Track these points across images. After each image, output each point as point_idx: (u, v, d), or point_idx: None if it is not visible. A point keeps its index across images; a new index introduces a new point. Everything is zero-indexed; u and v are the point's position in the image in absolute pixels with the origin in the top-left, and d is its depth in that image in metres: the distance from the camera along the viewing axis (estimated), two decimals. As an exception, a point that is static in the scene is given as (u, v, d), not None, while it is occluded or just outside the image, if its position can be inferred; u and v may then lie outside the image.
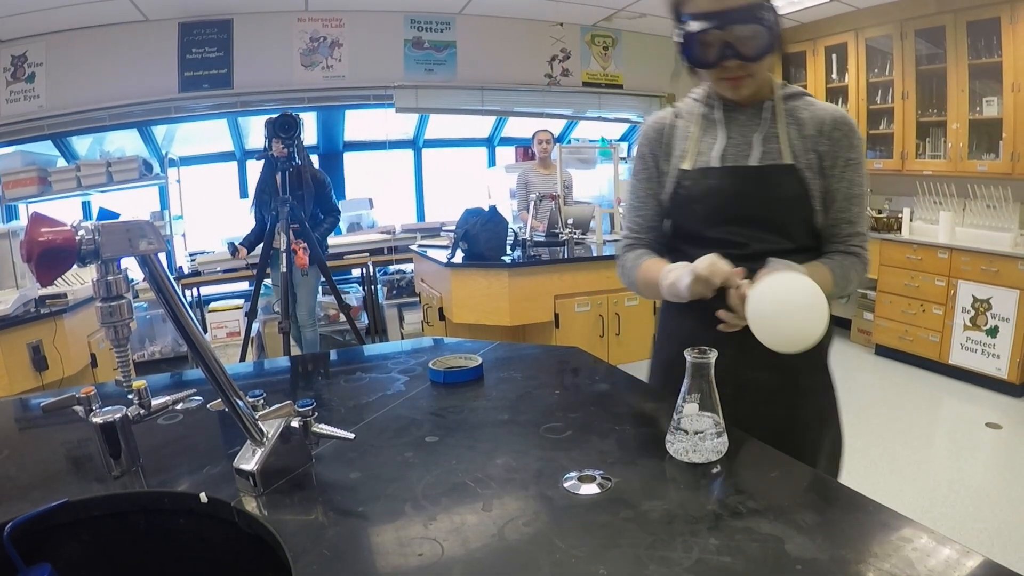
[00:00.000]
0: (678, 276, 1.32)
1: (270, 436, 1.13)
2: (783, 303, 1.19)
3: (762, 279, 1.22)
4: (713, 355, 1.15)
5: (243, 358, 4.39)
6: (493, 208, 4.28)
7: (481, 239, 4.18)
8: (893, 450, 4.01)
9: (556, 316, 4.13)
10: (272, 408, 1.17)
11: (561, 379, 1.75)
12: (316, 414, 1.18)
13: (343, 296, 4.80)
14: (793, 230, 1.45)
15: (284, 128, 3.98)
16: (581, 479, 1.12)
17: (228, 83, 5.58)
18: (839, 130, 1.43)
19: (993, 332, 5.06)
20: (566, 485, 1.11)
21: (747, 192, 1.43)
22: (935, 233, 5.44)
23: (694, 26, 1.33)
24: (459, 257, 4.23)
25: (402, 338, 5.96)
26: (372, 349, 2.27)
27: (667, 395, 1.28)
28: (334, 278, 6.00)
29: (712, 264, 1.27)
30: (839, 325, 6.03)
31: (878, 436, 4.16)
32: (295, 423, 1.16)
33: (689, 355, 1.16)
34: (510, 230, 4.43)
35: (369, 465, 1.21)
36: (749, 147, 1.45)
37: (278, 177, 4.01)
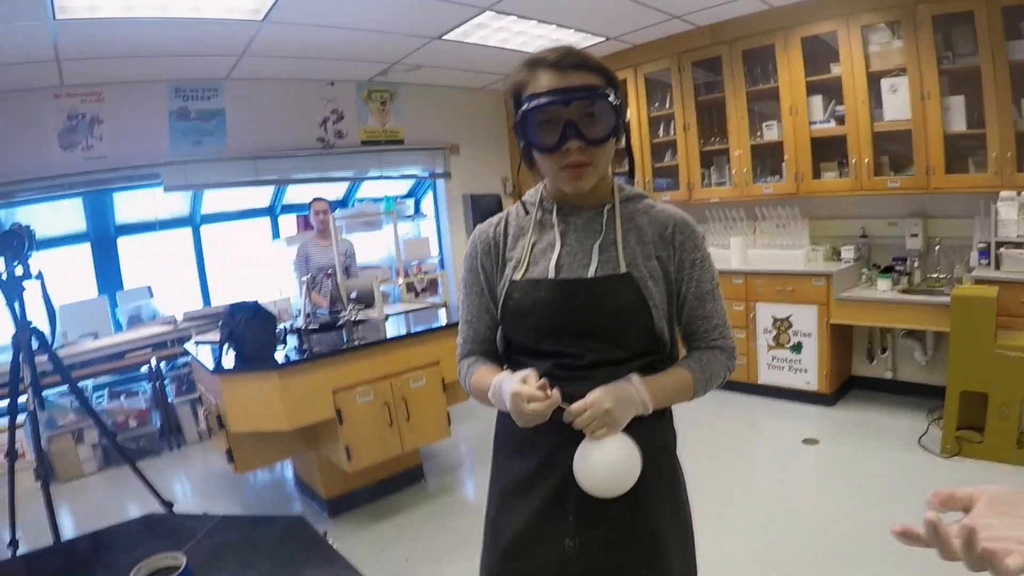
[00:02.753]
0: (500, 396, 1.33)
1: None
2: (603, 475, 1.29)
3: (585, 452, 1.29)
4: None
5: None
6: (256, 303, 3.90)
7: (247, 339, 3.79)
8: (721, 478, 4.06)
9: (338, 412, 3.81)
10: None
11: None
12: None
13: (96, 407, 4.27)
14: (630, 339, 1.39)
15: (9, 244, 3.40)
16: None
17: (-24, 171, 4.95)
18: (681, 234, 1.42)
19: (797, 348, 5.16)
20: None
21: (580, 305, 1.37)
22: (728, 259, 5.49)
23: (535, 101, 1.28)
24: (228, 361, 3.84)
25: (199, 437, 5.49)
26: (82, 543, 1.89)
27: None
28: (120, 378, 5.48)
29: (517, 395, 1.26)
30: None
31: (702, 465, 4.18)
32: None
33: None
34: (281, 321, 4.07)
35: None
36: (588, 256, 1.40)
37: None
